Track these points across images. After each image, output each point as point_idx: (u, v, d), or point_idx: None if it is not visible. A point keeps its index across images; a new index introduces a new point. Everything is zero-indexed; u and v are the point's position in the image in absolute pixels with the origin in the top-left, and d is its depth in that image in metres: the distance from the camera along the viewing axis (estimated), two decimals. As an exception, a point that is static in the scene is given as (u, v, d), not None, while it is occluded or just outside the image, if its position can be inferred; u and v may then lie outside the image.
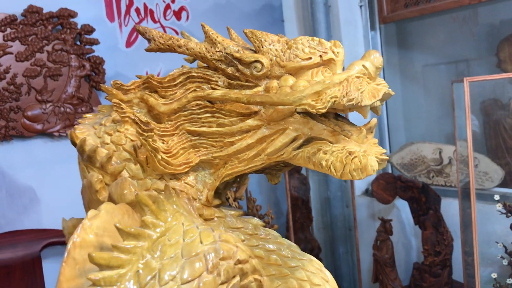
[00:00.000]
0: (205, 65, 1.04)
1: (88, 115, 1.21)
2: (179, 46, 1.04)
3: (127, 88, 1.09)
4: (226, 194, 1.18)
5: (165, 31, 2.72)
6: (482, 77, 2.16)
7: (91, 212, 0.90)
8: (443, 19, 3.08)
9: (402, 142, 3.13)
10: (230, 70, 0.99)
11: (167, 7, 2.73)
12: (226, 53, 0.99)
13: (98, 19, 2.52)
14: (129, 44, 2.63)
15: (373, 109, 0.93)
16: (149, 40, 1.04)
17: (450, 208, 2.66)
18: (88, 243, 0.86)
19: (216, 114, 1.00)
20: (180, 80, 1.03)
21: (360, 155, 0.91)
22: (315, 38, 0.97)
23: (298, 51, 0.96)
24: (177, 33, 2.77)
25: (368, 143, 0.95)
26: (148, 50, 1.05)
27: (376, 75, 0.94)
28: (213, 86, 1.01)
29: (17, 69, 2.35)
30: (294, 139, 0.96)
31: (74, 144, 1.09)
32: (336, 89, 0.90)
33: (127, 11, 2.61)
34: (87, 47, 2.48)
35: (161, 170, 1.00)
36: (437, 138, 3.13)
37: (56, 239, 2.32)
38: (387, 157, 0.94)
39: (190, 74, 1.02)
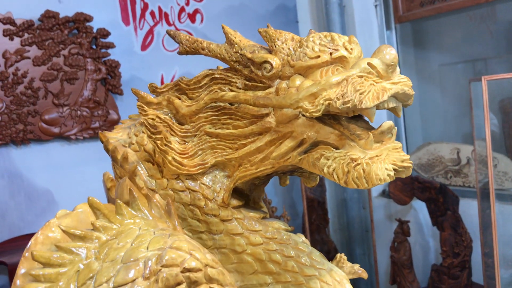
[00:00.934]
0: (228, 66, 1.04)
1: (133, 115, 1.25)
2: (203, 49, 1.03)
3: (160, 90, 1.11)
4: (262, 195, 1.17)
5: (179, 33, 2.73)
6: (500, 75, 2.12)
7: (61, 211, 0.94)
8: (460, 17, 3.04)
9: (419, 143, 3.10)
10: (246, 71, 0.98)
11: (182, 10, 2.74)
12: (241, 54, 0.97)
13: (114, 22, 2.54)
14: (144, 47, 2.64)
15: (392, 110, 0.87)
16: (178, 44, 1.05)
17: (468, 209, 2.62)
18: (51, 240, 0.88)
19: (233, 116, 1.00)
20: (205, 81, 1.03)
21: (364, 163, 0.84)
22: (329, 34, 0.92)
23: (308, 49, 0.91)
24: (192, 35, 2.77)
25: (385, 148, 0.87)
26: (179, 53, 1.06)
27: (389, 73, 0.86)
28: (232, 87, 1.00)
29: (34, 73, 2.38)
30: (300, 143, 0.93)
31: (102, 143, 1.13)
32: (332, 90, 0.84)
33: (142, 15, 2.62)
34: (103, 50, 2.50)
35: (174, 170, 1.01)
36: (454, 138, 3.09)
37: (73, 242, 2.35)
38: (410, 164, 0.85)
39: (213, 76, 1.02)
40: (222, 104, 1.00)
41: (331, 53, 0.90)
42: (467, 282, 2.59)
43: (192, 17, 2.77)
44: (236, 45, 0.99)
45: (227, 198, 1.03)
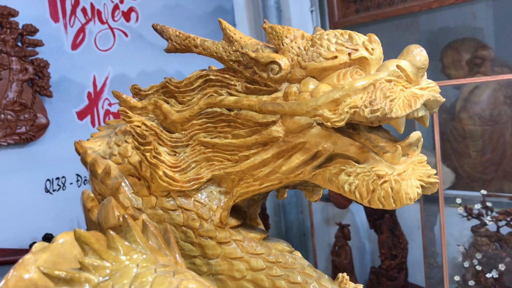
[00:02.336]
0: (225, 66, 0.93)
1: (111, 121, 1.09)
2: (196, 46, 0.92)
3: (145, 93, 0.98)
4: (259, 210, 1.06)
5: (113, 33, 2.57)
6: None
7: (39, 245, 0.76)
8: (388, 26, 3.14)
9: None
10: (248, 72, 0.87)
11: (116, 7, 2.58)
12: (242, 53, 0.87)
13: (42, 19, 2.33)
14: (75, 46, 2.45)
15: (418, 119, 0.78)
16: (166, 40, 0.93)
17: (403, 211, 2.70)
18: (25, 283, 0.71)
19: (232, 123, 0.89)
20: (198, 83, 0.92)
21: (392, 180, 0.75)
22: (346, 32, 0.82)
23: (322, 49, 0.81)
24: (126, 35, 2.62)
25: (411, 162, 0.78)
26: (167, 51, 0.94)
27: (419, 77, 0.76)
28: (231, 91, 0.89)
29: (-51, 72, 2.12)
30: (314, 156, 0.83)
31: (79, 155, 0.98)
32: (358, 96, 0.75)
33: (73, 11, 2.43)
34: (30, 49, 2.28)
35: (165, 187, 0.90)
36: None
37: (-3, 259, 2.12)
38: (437, 180, 0.78)
39: (208, 77, 0.91)
40: (219, 109, 0.89)
41: (349, 54, 0.80)
42: (404, 283, 2.67)
43: (126, 15, 2.62)
44: (236, 43, 0.88)
45: (225, 218, 0.92)
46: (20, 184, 2.26)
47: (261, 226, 1.04)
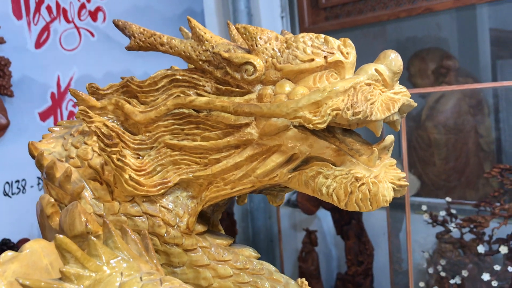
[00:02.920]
0: (193, 66, 0.90)
1: (64, 122, 1.03)
2: (162, 44, 0.88)
3: (103, 92, 0.94)
4: (220, 216, 1.03)
5: (79, 32, 2.50)
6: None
7: (5, 255, 0.72)
8: (356, 34, 3.18)
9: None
10: (218, 73, 0.85)
11: (82, 6, 2.51)
12: (214, 53, 0.84)
13: (3, 15, 2.25)
14: (38, 45, 2.37)
15: (391, 123, 0.79)
16: (129, 37, 0.89)
17: (370, 218, 2.73)
18: None
19: (201, 125, 0.86)
20: (162, 83, 0.88)
21: (370, 182, 0.75)
22: (321, 36, 0.82)
23: (298, 51, 0.80)
24: (93, 35, 2.56)
25: (382, 165, 0.79)
26: (128, 48, 0.90)
27: (394, 81, 0.78)
28: (199, 91, 0.86)
29: None
30: (289, 159, 0.82)
31: (33, 157, 0.92)
32: (339, 99, 0.74)
33: (37, 9, 2.36)
34: (-10, 46, 2.20)
35: (130, 191, 0.85)
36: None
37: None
38: (407, 183, 0.79)
39: (174, 77, 0.88)
40: (186, 110, 0.86)
41: (325, 57, 0.80)
42: (369, 288, 2.68)
43: (93, 15, 2.56)
44: (206, 42, 0.86)
45: (193, 224, 0.89)
46: (-23, 187, 2.16)
47: (223, 232, 1.02)
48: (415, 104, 0.80)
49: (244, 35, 0.84)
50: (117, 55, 2.61)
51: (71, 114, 2.48)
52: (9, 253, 0.70)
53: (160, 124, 0.87)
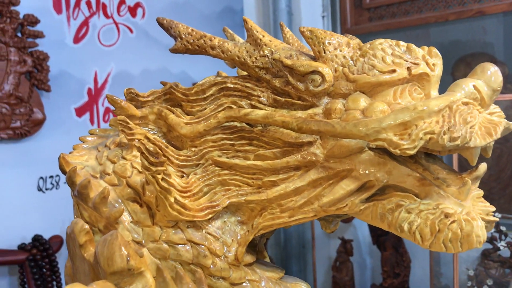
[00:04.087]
0: (245, 73, 0.81)
1: (96, 130, 0.93)
2: (213, 48, 0.79)
3: (143, 99, 0.85)
4: (264, 242, 0.94)
5: (118, 28, 2.47)
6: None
7: None
8: (399, 36, 3.06)
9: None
10: (277, 82, 0.75)
11: (122, 2, 2.48)
12: (274, 59, 0.74)
13: (44, 9, 2.23)
14: (77, 39, 2.35)
15: (483, 150, 0.68)
16: (174, 38, 0.81)
17: (407, 228, 2.62)
18: None
19: (254, 142, 0.76)
20: (211, 92, 0.80)
21: (462, 219, 0.65)
22: (401, 43, 0.72)
23: (376, 60, 0.70)
24: (131, 31, 2.52)
25: (470, 197, 0.69)
26: (173, 50, 0.81)
27: (492, 100, 0.68)
28: (253, 103, 0.77)
29: None
30: (361, 187, 0.71)
31: (63, 172, 0.84)
32: (432, 120, 0.63)
33: (77, 3, 2.34)
34: (30, 40, 2.18)
35: (174, 216, 0.75)
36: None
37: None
38: (496, 219, 0.69)
39: (224, 85, 0.79)
40: (238, 124, 0.76)
41: (409, 68, 0.69)
42: (405, 302, 2.57)
43: (132, 10, 2.52)
44: (264, 47, 0.76)
45: (242, 254, 0.79)
46: (12, 181, 2.15)
47: (268, 260, 0.93)
48: None
49: (310, 40, 0.74)
50: (155, 52, 2.57)
51: (107, 111, 2.45)
52: None
53: (208, 138, 0.78)
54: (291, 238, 2.98)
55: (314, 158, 0.72)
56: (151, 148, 0.72)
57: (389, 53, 0.70)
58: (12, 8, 2.12)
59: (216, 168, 0.78)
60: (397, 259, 2.56)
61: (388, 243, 2.54)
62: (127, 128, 0.79)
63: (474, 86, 0.66)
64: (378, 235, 2.57)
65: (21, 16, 2.14)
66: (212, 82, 0.80)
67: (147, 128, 0.84)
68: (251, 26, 0.77)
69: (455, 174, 0.70)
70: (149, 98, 0.86)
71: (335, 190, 0.72)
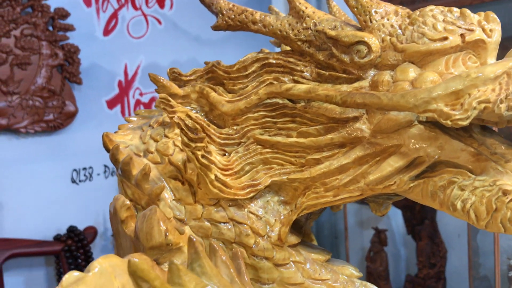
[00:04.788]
0: (289, 48, 0.78)
1: (142, 111, 0.94)
2: (254, 22, 0.76)
3: (186, 78, 0.84)
4: (312, 224, 0.92)
5: (147, 20, 2.48)
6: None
7: (69, 276, 0.60)
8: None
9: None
10: (321, 55, 0.72)
11: (150, -7, 2.48)
12: (317, 31, 0.71)
13: (73, 2, 2.25)
14: (107, 32, 2.36)
15: None
16: (216, 15, 0.80)
17: (443, 217, 2.56)
18: None
19: (297, 119, 0.74)
20: (253, 68, 0.77)
21: None
22: (454, 9, 0.66)
23: (427, 28, 0.65)
24: (160, 22, 2.52)
25: None
26: (215, 27, 0.79)
27: None
28: (296, 78, 0.74)
29: (-22, 55, 2.05)
30: (411, 163, 0.67)
31: (107, 150, 0.83)
32: (488, 88, 0.58)
33: (106, -4, 2.35)
34: (61, 33, 2.20)
35: (215, 194, 0.74)
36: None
37: (20, 250, 2.05)
38: None
39: (266, 61, 0.76)
40: (280, 101, 0.74)
41: (462, 35, 0.64)
42: (442, 293, 2.52)
43: (161, 2, 2.52)
44: (307, 19, 0.72)
45: (285, 235, 0.77)
46: (46, 173, 2.19)
47: (315, 242, 0.90)
48: None
49: (356, 9, 0.69)
50: (183, 43, 2.57)
51: (137, 103, 2.46)
52: (74, 273, 0.58)
53: (250, 116, 0.76)
54: (323, 229, 2.95)
55: (360, 134, 0.69)
56: (190, 124, 0.71)
57: (441, 19, 0.66)
58: (44, 2, 2.14)
59: (258, 146, 0.76)
60: (433, 249, 2.51)
61: (423, 233, 2.49)
62: (169, 106, 0.78)
63: None
64: (413, 225, 2.53)
65: (51, 10, 2.17)
66: (254, 59, 0.78)
67: (189, 107, 0.83)
68: None
69: None
70: (192, 77, 0.85)
71: (383, 167, 0.69)
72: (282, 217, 0.78)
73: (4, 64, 2.09)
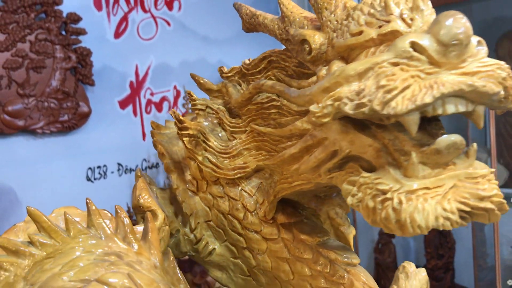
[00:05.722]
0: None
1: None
2: (259, 25, 0.81)
3: (225, 75, 0.93)
4: (347, 210, 0.93)
5: (156, 22, 2.55)
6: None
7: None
8: (438, 13, 3.00)
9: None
10: (294, 53, 0.75)
11: (158, -4, 2.56)
12: (287, 31, 0.75)
13: (85, 7, 2.34)
14: (117, 35, 2.45)
15: (471, 117, 0.57)
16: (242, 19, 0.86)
17: (451, 209, 2.58)
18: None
19: (280, 111, 0.79)
20: (263, 65, 0.84)
21: (395, 198, 0.55)
22: (381, 2, 0.62)
23: (352, 22, 0.63)
24: (169, 24, 2.60)
25: (451, 176, 0.56)
26: (245, 30, 0.87)
27: (451, 57, 0.53)
28: (285, 74, 0.80)
29: (-4, 60, 2.14)
30: (331, 156, 0.67)
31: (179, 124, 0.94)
32: (351, 85, 0.57)
33: (116, 0, 2.43)
34: (73, 37, 2.29)
35: (209, 173, 0.87)
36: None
37: (39, 245, 2.14)
38: (493, 206, 0.54)
39: (270, 58, 0.82)
40: (272, 95, 0.80)
41: (380, 27, 0.61)
42: (450, 284, 2.55)
43: (169, 4, 2.60)
44: (286, 19, 0.75)
45: (270, 212, 0.84)
46: (62, 172, 2.27)
47: (346, 226, 0.92)
48: (496, 90, 0.54)
49: (313, 7, 0.70)
50: (192, 44, 2.64)
51: (149, 103, 2.54)
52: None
53: (251, 108, 0.84)
54: (333, 222, 2.99)
55: (306, 126, 0.71)
56: (177, 116, 0.87)
57: (366, 12, 0.63)
58: (56, 7, 2.23)
59: (256, 134, 0.85)
60: (441, 240, 2.54)
61: (430, 224, 2.53)
62: (192, 99, 0.92)
63: (412, 43, 0.54)
64: (421, 217, 2.56)
65: (64, 14, 2.25)
66: (263, 56, 0.84)
67: (223, 100, 0.93)
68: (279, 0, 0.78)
69: (419, 147, 0.59)
70: (230, 74, 0.92)
71: (310, 158, 0.71)
72: (268, 197, 0.85)
73: (20, 68, 2.18)
